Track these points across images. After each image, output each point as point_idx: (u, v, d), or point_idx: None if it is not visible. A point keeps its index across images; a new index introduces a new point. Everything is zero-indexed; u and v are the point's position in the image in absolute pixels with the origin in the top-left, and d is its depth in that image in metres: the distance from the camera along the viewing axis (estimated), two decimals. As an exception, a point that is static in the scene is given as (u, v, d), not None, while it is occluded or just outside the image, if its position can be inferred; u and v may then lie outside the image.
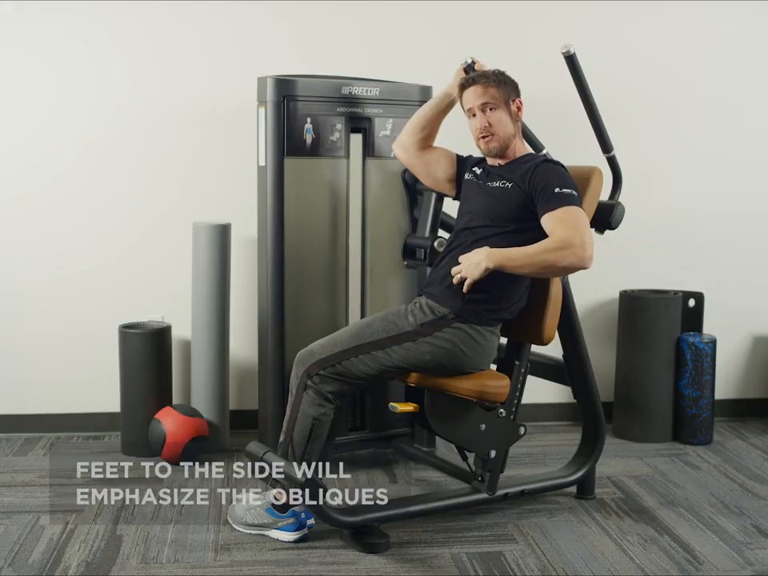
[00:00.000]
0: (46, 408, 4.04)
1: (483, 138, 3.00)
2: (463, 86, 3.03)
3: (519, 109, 3.04)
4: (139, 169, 3.98)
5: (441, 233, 3.54)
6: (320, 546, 2.96)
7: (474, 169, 3.15)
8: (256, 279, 3.68)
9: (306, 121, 3.44)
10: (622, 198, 4.24)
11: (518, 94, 3.05)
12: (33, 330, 4.00)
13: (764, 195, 4.35)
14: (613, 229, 3.17)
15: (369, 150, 3.59)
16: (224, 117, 3.96)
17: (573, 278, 3.19)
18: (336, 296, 3.61)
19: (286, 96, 3.40)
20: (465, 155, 3.27)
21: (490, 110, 2.98)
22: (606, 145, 3.14)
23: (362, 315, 3.66)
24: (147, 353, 3.74)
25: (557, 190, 2.85)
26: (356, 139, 3.61)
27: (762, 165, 4.34)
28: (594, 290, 4.26)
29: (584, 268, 2.81)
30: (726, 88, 4.26)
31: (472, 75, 3.05)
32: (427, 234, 3.51)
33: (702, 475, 3.66)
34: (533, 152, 3.15)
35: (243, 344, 4.07)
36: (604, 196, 3.20)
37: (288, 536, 2.98)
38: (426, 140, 3.24)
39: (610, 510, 3.29)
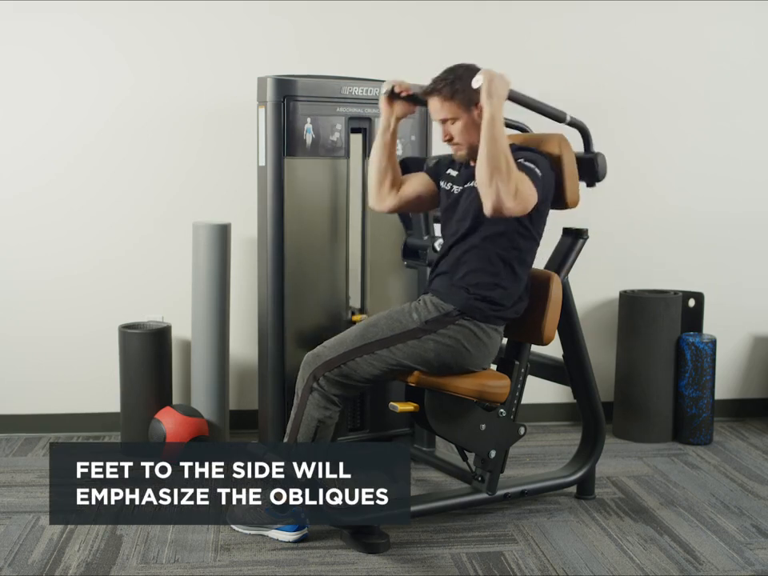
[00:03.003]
0: (46, 408, 4.04)
1: (450, 145, 2.98)
2: (425, 96, 2.96)
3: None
4: (139, 169, 3.99)
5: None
6: (320, 546, 2.96)
7: (449, 172, 3.10)
8: (256, 279, 3.69)
9: (306, 121, 3.44)
10: (621, 195, 4.28)
11: (478, 98, 2.84)
12: (33, 330, 4.01)
13: (764, 195, 4.35)
14: (600, 179, 3.11)
15: (369, 150, 3.58)
16: (224, 117, 3.96)
17: (573, 278, 3.19)
18: (336, 296, 3.61)
19: (286, 96, 3.40)
20: (433, 161, 3.22)
21: (451, 123, 2.92)
22: (557, 117, 3.03)
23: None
24: (147, 353, 3.74)
25: (520, 160, 2.84)
26: (356, 139, 3.61)
27: (763, 165, 4.33)
28: (594, 290, 4.26)
29: (494, 206, 2.73)
30: (726, 88, 4.26)
31: (427, 88, 2.94)
32: (426, 234, 3.51)
33: (702, 475, 3.66)
34: (513, 145, 3.00)
35: (243, 344, 4.07)
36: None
37: (288, 536, 2.98)
38: (394, 183, 3.13)
39: (610, 510, 3.29)
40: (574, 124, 3.07)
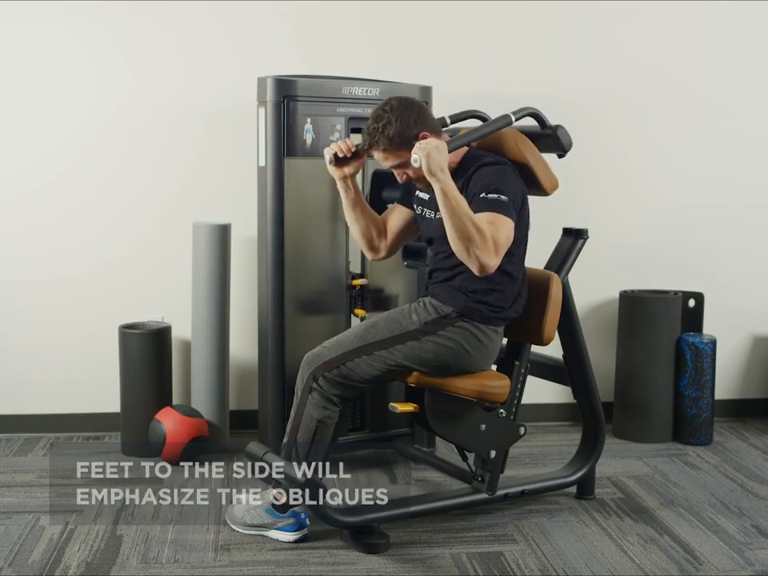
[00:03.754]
0: (46, 408, 4.04)
1: (411, 182, 2.96)
2: (366, 152, 2.93)
3: (426, 138, 2.81)
4: (139, 169, 3.99)
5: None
6: (320, 546, 2.96)
7: (418, 195, 3.07)
8: (256, 279, 3.68)
9: (306, 121, 3.44)
10: (621, 195, 4.27)
11: (417, 132, 2.82)
12: (33, 330, 4.00)
13: (764, 195, 4.35)
14: (568, 150, 3.08)
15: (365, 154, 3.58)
16: (224, 117, 3.96)
17: (573, 278, 3.19)
18: (336, 296, 3.61)
19: (286, 96, 3.40)
20: (402, 190, 3.16)
21: (402, 167, 2.89)
22: (504, 125, 2.96)
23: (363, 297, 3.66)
24: (147, 353, 3.74)
25: (482, 194, 2.79)
26: (356, 139, 3.60)
27: (763, 165, 4.33)
28: (594, 290, 4.26)
29: (480, 270, 2.72)
30: (726, 88, 4.25)
31: (363, 144, 2.90)
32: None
33: (702, 475, 3.66)
34: (471, 151, 2.99)
35: (243, 344, 4.07)
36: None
37: (288, 536, 2.97)
38: (379, 232, 3.12)
39: (610, 510, 3.29)
40: (522, 116, 3.02)
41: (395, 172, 2.94)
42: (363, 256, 3.64)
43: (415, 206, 3.09)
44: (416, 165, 2.72)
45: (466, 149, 2.97)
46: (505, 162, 2.92)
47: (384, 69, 3.88)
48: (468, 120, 3.30)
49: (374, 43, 4.03)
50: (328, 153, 2.98)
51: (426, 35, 4.05)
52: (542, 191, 3.03)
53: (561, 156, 3.12)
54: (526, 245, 3.00)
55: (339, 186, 3.05)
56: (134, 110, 3.95)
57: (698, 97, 4.26)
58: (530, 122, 3.08)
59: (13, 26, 3.86)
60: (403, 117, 2.82)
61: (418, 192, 3.06)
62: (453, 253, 2.81)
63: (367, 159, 3.09)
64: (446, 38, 4.04)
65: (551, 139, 3.07)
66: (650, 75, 4.21)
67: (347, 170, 3.00)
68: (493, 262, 2.72)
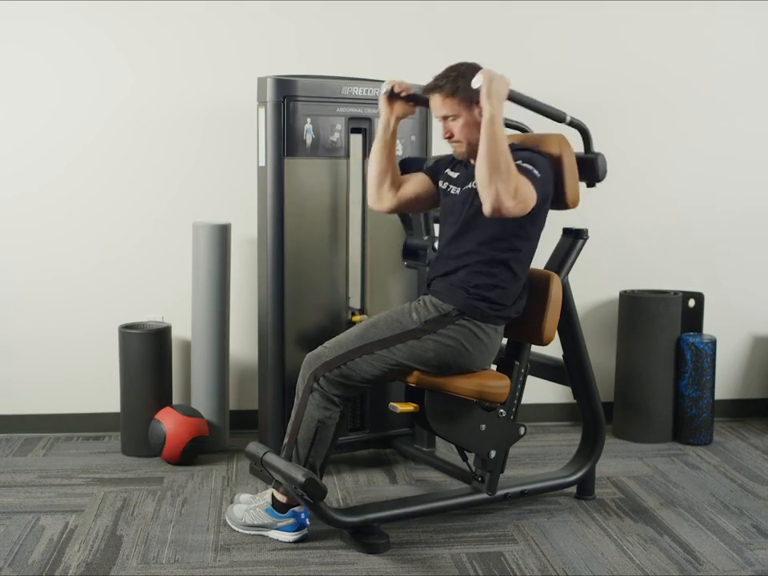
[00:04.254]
0: (46, 408, 4.04)
1: (450, 143, 2.98)
2: (425, 94, 2.97)
3: None
4: (139, 169, 3.99)
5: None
6: (320, 546, 2.96)
7: (447, 172, 3.10)
8: (256, 279, 3.68)
9: (306, 121, 3.44)
10: (621, 195, 4.28)
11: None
12: (33, 330, 4.01)
13: (764, 195, 4.35)
14: (600, 180, 3.11)
15: (369, 150, 3.58)
16: (224, 117, 3.96)
17: (573, 278, 3.19)
18: (336, 296, 3.61)
19: (286, 96, 3.40)
20: (433, 161, 3.22)
21: (452, 121, 2.92)
22: (558, 117, 3.02)
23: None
24: (147, 353, 3.74)
25: (518, 162, 2.84)
26: (356, 139, 3.61)
27: (763, 165, 4.33)
28: (594, 290, 4.26)
29: (493, 206, 2.73)
30: (726, 88, 4.26)
31: (429, 84, 2.94)
32: (425, 234, 3.51)
33: (702, 475, 3.66)
34: (513, 144, 3.01)
35: (243, 344, 4.07)
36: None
37: (288, 536, 2.97)
38: (393, 183, 3.14)
39: (610, 510, 3.29)
40: (573, 124, 3.07)
41: (442, 125, 2.95)
42: (363, 281, 3.65)
43: (441, 182, 3.11)
44: (476, 84, 2.77)
45: (509, 141, 2.99)
46: (546, 156, 2.97)
47: (384, 69, 3.86)
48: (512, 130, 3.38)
49: (374, 43, 4.03)
50: (386, 85, 3.03)
51: (425, 35, 4.05)
52: (563, 203, 3.03)
53: (590, 185, 3.14)
54: (534, 247, 3.01)
55: (381, 122, 3.09)
56: (133, 110, 3.95)
57: (697, 97, 4.26)
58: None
59: (13, 26, 3.86)
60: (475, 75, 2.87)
61: (448, 170, 3.10)
62: (464, 238, 2.87)
63: (415, 112, 3.12)
64: (445, 38, 4.04)
65: (589, 164, 3.10)
66: (649, 75, 4.21)
67: (397, 108, 3.05)
68: (508, 203, 2.73)
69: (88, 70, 3.92)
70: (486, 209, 2.76)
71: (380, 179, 3.13)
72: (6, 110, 3.91)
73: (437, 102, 2.92)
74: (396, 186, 3.15)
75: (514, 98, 2.89)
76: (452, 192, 3.05)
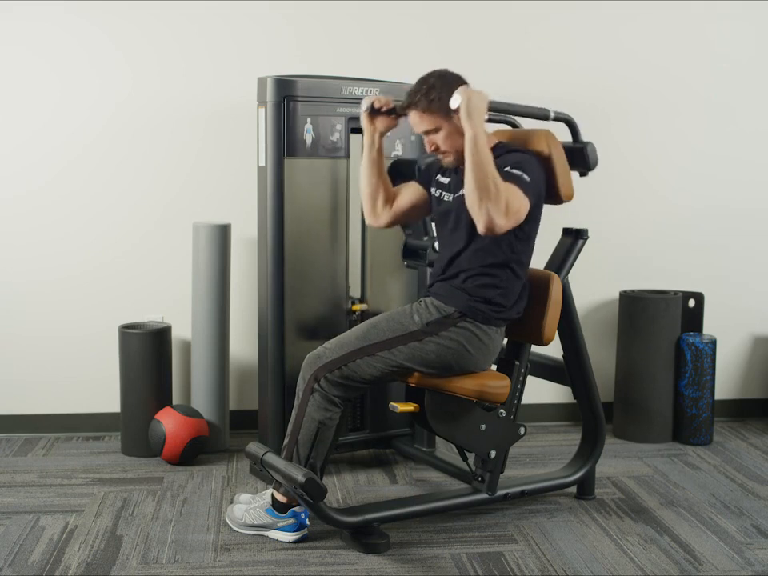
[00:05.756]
0: (45, 408, 4.04)
1: (438, 154, 2.96)
2: (403, 111, 2.95)
3: None
4: (139, 169, 3.99)
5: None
6: (320, 546, 2.96)
7: (438, 178, 3.09)
8: (256, 279, 3.68)
9: (306, 121, 3.44)
10: (621, 195, 4.27)
11: None
12: (33, 331, 4.01)
13: (764, 195, 4.35)
14: (592, 168, 3.10)
15: (398, 118, 3.55)
16: (224, 117, 3.96)
17: (573, 278, 3.19)
18: (336, 296, 3.61)
19: (286, 96, 3.40)
20: (426, 158, 3.20)
21: (434, 133, 2.90)
22: (541, 115, 3.01)
23: (363, 316, 3.66)
24: (147, 353, 3.74)
25: (507, 168, 2.82)
26: (356, 139, 3.61)
27: (763, 165, 4.33)
28: (594, 290, 4.26)
29: (486, 226, 2.72)
30: (726, 88, 4.25)
31: (404, 102, 2.92)
32: (427, 234, 3.51)
33: (702, 475, 3.66)
34: (501, 142, 3.01)
35: (243, 344, 4.07)
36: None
37: (288, 536, 2.97)
38: (387, 198, 3.13)
39: (610, 510, 3.29)
40: (559, 119, 3.05)
41: (426, 140, 2.94)
42: (363, 281, 3.64)
43: (433, 189, 3.10)
44: (455, 105, 2.74)
45: (496, 139, 3.01)
46: (534, 155, 2.95)
47: (384, 69, 3.88)
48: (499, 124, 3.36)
49: (373, 43, 4.03)
50: (366, 102, 3.01)
51: (425, 35, 4.05)
52: (556, 197, 3.03)
53: (583, 174, 3.13)
54: (532, 246, 3.01)
55: (366, 139, 3.07)
56: (133, 110, 3.95)
57: (698, 97, 4.26)
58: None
59: (13, 27, 3.86)
60: (447, 84, 2.85)
61: (438, 176, 3.09)
62: (461, 243, 2.86)
63: (396, 125, 3.08)
64: (445, 38, 4.04)
65: (579, 154, 3.09)
66: (650, 75, 4.21)
67: (379, 124, 3.04)
68: (500, 221, 2.72)
69: (88, 70, 3.92)
70: (480, 229, 2.76)
71: (373, 197, 3.12)
72: (6, 110, 3.91)
73: (415, 119, 2.90)
74: (390, 200, 3.14)
75: (495, 108, 2.87)
76: (445, 199, 3.03)
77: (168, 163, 3.99)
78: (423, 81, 2.89)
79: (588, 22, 4.15)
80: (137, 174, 3.99)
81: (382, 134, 3.06)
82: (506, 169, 2.81)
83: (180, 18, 3.93)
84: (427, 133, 2.91)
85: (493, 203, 2.70)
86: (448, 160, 2.95)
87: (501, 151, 2.92)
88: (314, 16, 3.98)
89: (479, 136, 2.72)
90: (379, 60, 3.99)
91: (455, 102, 2.75)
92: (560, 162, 3.01)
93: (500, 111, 2.92)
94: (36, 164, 3.94)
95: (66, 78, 3.91)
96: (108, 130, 3.95)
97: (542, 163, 2.95)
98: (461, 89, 2.76)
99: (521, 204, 2.78)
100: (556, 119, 3.03)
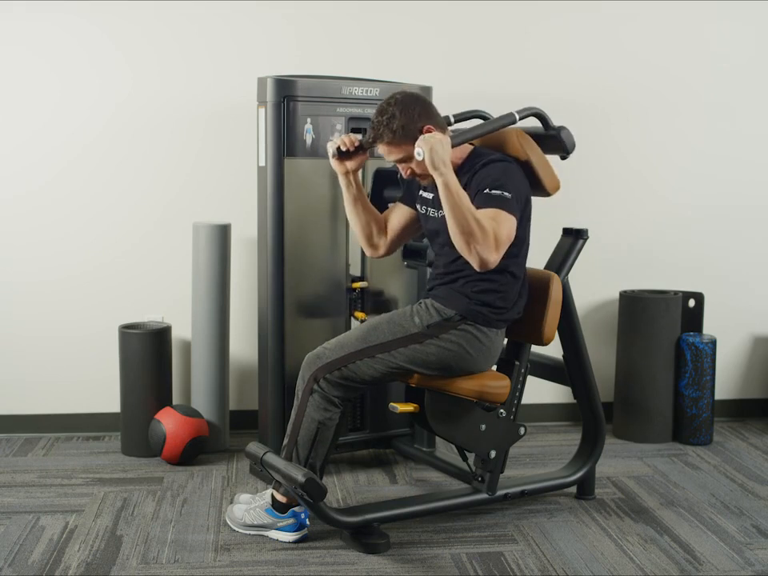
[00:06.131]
0: (45, 408, 4.04)
1: (415, 179, 2.95)
2: (370, 146, 2.91)
3: (431, 132, 2.79)
4: (139, 169, 3.99)
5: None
6: (320, 546, 2.96)
7: (422, 194, 3.06)
8: (256, 279, 3.68)
9: (306, 121, 3.44)
10: (621, 195, 4.27)
11: (421, 125, 2.80)
12: (33, 330, 4.00)
13: (764, 195, 4.35)
14: (570, 152, 3.08)
15: (368, 150, 3.58)
16: (224, 117, 3.96)
17: (573, 278, 3.19)
18: (336, 296, 3.61)
19: (286, 96, 3.40)
20: (405, 187, 3.15)
21: (406, 161, 2.87)
22: (508, 123, 2.97)
23: (363, 294, 3.65)
24: (147, 353, 3.74)
25: (486, 190, 2.78)
26: (358, 137, 3.60)
27: (762, 165, 4.33)
28: (593, 290, 4.26)
29: (481, 266, 2.72)
30: (726, 88, 4.25)
31: (368, 137, 2.88)
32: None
33: (702, 475, 3.66)
34: (476, 149, 2.99)
35: (243, 344, 4.07)
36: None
37: (288, 536, 2.97)
38: (380, 230, 3.12)
39: (610, 510, 3.29)
40: (526, 116, 3.02)
41: (399, 167, 2.93)
42: (363, 257, 3.65)
43: (419, 206, 3.08)
44: (419, 158, 2.72)
45: (470, 147, 2.98)
46: (510, 160, 2.92)
47: (384, 69, 3.88)
48: (472, 120, 3.29)
49: (373, 43, 4.03)
50: (331, 147, 2.97)
51: (425, 35, 4.05)
52: (543, 191, 3.03)
53: (563, 158, 3.12)
54: (528, 245, 3.00)
55: (341, 181, 3.04)
56: (133, 110, 3.95)
57: (697, 97, 4.26)
58: (533, 122, 3.08)
59: (13, 27, 3.86)
60: (408, 110, 2.81)
61: (421, 192, 3.06)
62: (456, 253, 2.82)
63: (369, 158, 3.07)
64: (445, 38, 4.04)
65: (555, 140, 3.07)
66: (650, 75, 4.21)
67: (350, 164, 2.99)
68: (493, 257, 2.71)
69: (88, 70, 3.92)
70: (475, 268, 2.75)
71: (366, 232, 3.10)
72: (6, 110, 3.91)
73: (384, 151, 2.87)
74: (383, 230, 3.13)
75: (460, 142, 2.86)
76: (432, 215, 3.00)
77: (168, 163, 3.99)
78: (382, 111, 2.83)
79: (588, 22, 4.15)
80: (137, 174, 3.99)
81: (355, 171, 3.02)
82: (485, 192, 2.78)
83: (180, 17, 3.93)
84: (399, 161, 2.89)
85: (481, 245, 2.68)
86: (426, 182, 2.92)
87: (476, 161, 2.89)
88: (313, 16, 3.98)
89: (450, 182, 2.68)
90: (379, 60, 3.99)
91: (419, 155, 2.71)
92: (538, 159, 3.00)
93: (466, 141, 2.89)
94: (36, 164, 3.94)
95: (66, 77, 3.91)
96: (108, 130, 3.95)
97: (521, 166, 2.94)
98: (420, 140, 2.71)
99: (509, 228, 2.76)
100: (523, 118, 3.00)
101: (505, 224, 2.75)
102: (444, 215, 2.77)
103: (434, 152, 2.68)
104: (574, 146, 3.08)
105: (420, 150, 2.70)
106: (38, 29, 3.87)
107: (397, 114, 2.80)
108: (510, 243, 2.80)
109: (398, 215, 3.15)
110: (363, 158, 3.00)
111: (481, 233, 2.67)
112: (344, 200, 3.09)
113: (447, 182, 2.68)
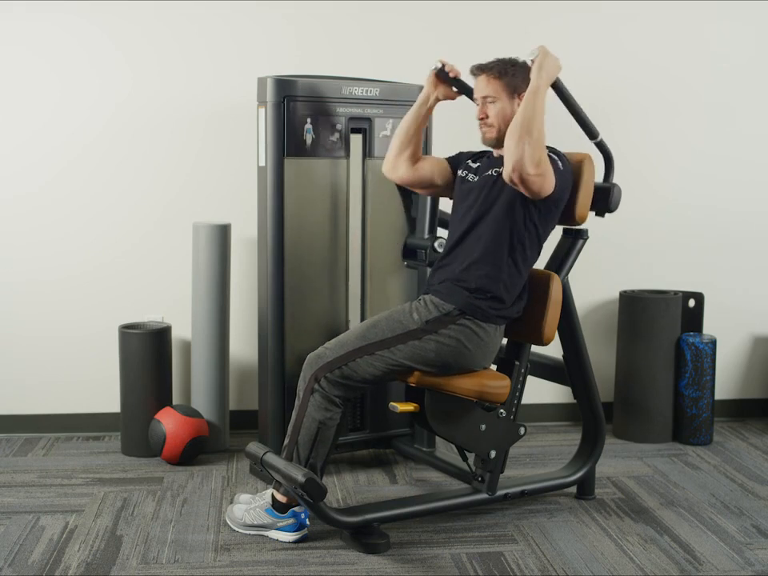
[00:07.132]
0: (45, 408, 4.04)
1: (481, 125, 3.03)
2: (473, 74, 3.03)
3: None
4: (139, 169, 3.99)
5: (440, 231, 3.54)
6: (320, 546, 2.96)
7: (468, 162, 3.16)
8: (256, 279, 3.68)
9: (306, 121, 3.44)
10: (622, 194, 4.26)
11: (524, 91, 2.94)
12: (33, 330, 4.01)
13: (764, 195, 4.35)
14: (612, 211, 3.15)
15: (369, 150, 3.59)
16: (224, 117, 3.96)
17: (573, 278, 3.19)
18: (336, 296, 3.61)
19: (286, 96, 3.40)
20: (457, 153, 3.27)
21: (491, 102, 2.98)
22: (591, 132, 3.11)
23: (363, 315, 3.67)
24: (147, 353, 3.74)
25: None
26: (356, 139, 3.61)
27: (762, 165, 4.33)
28: (593, 290, 4.26)
29: (516, 165, 2.77)
30: (726, 88, 4.26)
31: (479, 64, 3.02)
32: (426, 234, 3.51)
33: (702, 475, 3.66)
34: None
35: (243, 344, 4.07)
36: (599, 180, 3.20)
37: (288, 536, 2.97)
38: (414, 155, 3.21)
39: (610, 510, 3.29)
40: (602, 146, 3.14)
41: (480, 106, 3.00)
42: (364, 257, 3.65)
43: (461, 171, 3.16)
44: (532, 57, 2.87)
45: None
46: (570, 163, 3.03)
47: (384, 69, 3.88)
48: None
49: (373, 43, 4.03)
50: (437, 62, 3.12)
51: (425, 35, 4.05)
52: (570, 216, 3.06)
53: (599, 215, 3.18)
54: (540, 248, 3.03)
55: (421, 96, 3.19)
56: (133, 110, 3.95)
57: (697, 97, 4.26)
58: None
59: (13, 27, 3.86)
60: (523, 71, 2.96)
61: (469, 161, 3.16)
62: (470, 226, 2.95)
63: (456, 99, 3.19)
64: (445, 39, 4.04)
65: (604, 193, 3.13)
66: (650, 75, 4.21)
67: (440, 89, 3.15)
68: (529, 168, 2.78)
69: (88, 70, 3.92)
70: (507, 169, 2.82)
71: (401, 148, 3.20)
72: (6, 110, 3.91)
73: (482, 83, 2.99)
74: (414, 160, 3.22)
75: (560, 87, 2.97)
76: (469, 179, 3.09)
77: (168, 163, 3.99)
78: (509, 59, 3.00)
79: (588, 22, 4.15)
80: (137, 174, 3.99)
81: (437, 99, 3.17)
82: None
83: (180, 17, 3.93)
84: (485, 98, 2.98)
85: (530, 147, 2.78)
86: (490, 136, 3.01)
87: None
88: (313, 16, 3.98)
89: (542, 89, 2.85)
90: (379, 60, 3.99)
91: (532, 53, 2.88)
92: (587, 185, 3.07)
93: (562, 93, 3.00)
94: (36, 164, 3.94)
95: (66, 78, 3.91)
96: (108, 130, 3.95)
97: (573, 177, 3.02)
98: (542, 45, 2.89)
99: (550, 173, 2.86)
100: (599, 145, 3.13)
101: (550, 169, 2.86)
102: (484, 176, 2.96)
103: (546, 60, 2.86)
104: (617, 206, 3.16)
105: (536, 51, 2.87)
106: (37, 29, 3.87)
107: (516, 65, 2.99)
108: (540, 191, 2.85)
109: (435, 164, 3.24)
110: (450, 95, 3.17)
111: (537, 140, 2.79)
112: (408, 113, 3.22)
113: (539, 88, 2.84)
